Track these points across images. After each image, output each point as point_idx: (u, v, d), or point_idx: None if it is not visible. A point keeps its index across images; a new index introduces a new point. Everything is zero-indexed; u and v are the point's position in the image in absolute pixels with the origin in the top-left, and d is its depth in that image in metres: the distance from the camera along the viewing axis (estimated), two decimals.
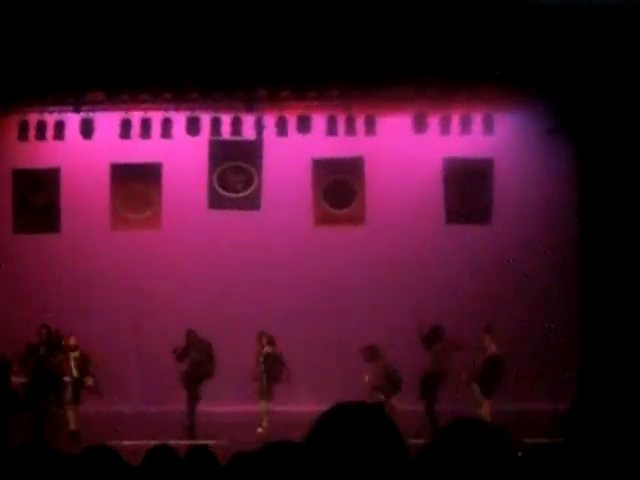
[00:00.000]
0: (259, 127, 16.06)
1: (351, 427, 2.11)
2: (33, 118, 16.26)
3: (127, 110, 16.11)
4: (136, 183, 16.61)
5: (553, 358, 16.04)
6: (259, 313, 16.06)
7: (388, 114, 16.38)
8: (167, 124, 16.00)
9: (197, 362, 15.15)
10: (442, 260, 16.98)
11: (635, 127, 14.47)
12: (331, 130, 16.01)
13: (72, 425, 14.76)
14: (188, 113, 16.00)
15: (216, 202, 16.50)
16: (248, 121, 16.04)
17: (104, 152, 16.58)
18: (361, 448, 2.07)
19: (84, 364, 14.93)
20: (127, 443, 12.80)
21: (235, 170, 16.51)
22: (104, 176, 16.61)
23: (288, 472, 2.92)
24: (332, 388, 14.91)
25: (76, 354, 14.93)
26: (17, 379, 16.07)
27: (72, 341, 14.94)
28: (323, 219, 16.70)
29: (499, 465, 2.27)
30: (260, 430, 14.85)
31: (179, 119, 16.02)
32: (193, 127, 15.93)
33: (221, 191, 16.47)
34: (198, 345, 15.24)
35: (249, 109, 15.89)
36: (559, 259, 16.43)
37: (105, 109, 16.16)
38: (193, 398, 15.13)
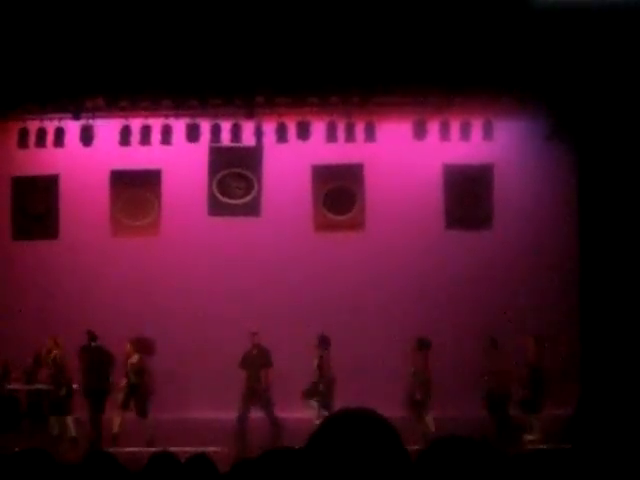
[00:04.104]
0: (259, 134, 16.06)
1: (352, 434, 2.11)
2: (33, 125, 16.28)
3: (127, 117, 16.13)
4: (136, 190, 16.62)
5: (555, 363, 16.01)
6: (259, 319, 16.02)
7: (388, 120, 16.40)
8: (167, 131, 16.02)
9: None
10: (443, 266, 16.99)
11: (634, 133, 14.49)
12: (331, 137, 16.01)
13: (115, 429, 14.64)
14: (188, 120, 16.01)
15: (216, 209, 16.50)
16: (248, 128, 16.06)
17: (104, 159, 16.60)
18: (362, 455, 2.07)
19: (141, 370, 14.90)
20: (128, 450, 12.82)
21: (235, 177, 16.51)
22: (104, 183, 16.63)
23: (288, 479, 2.91)
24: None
25: (134, 360, 14.88)
26: (18, 386, 16.10)
27: (128, 347, 14.91)
28: (323, 225, 16.70)
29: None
30: None
31: (179, 126, 16.04)
32: (193, 134, 15.94)
33: (221, 198, 16.48)
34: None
35: (249, 116, 15.90)
36: (559, 264, 16.44)
37: (105, 116, 16.18)
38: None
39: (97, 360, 14.92)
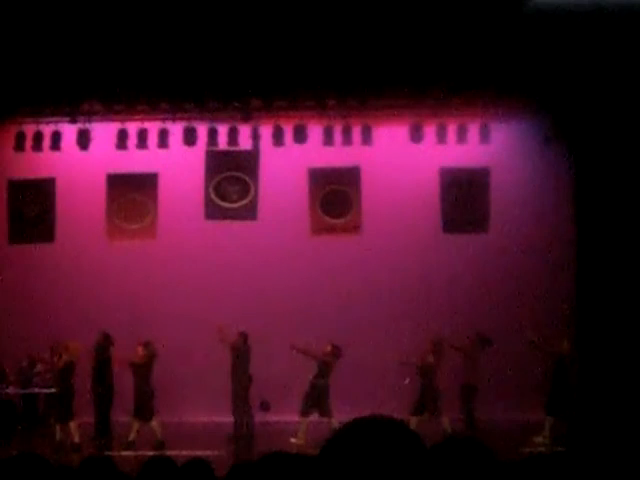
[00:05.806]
0: (255, 137, 16.06)
1: (371, 441, 2.05)
2: (30, 129, 16.26)
3: (123, 120, 16.13)
4: (132, 193, 16.61)
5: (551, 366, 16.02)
6: (256, 322, 16.01)
7: (384, 124, 16.42)
8: (164, 134, 16.01)
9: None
10: (439, 269, 17.01)
11: (631, 135, 14.49)
12: (327, 140, 16.01)
13: (132, 435, 14.63)
14: (185, 123, 16.02)
15: (213, 212, 16.50)
16: (244, 131, 16.05)
17: (100, 162, 16.60)
18: (382, 464, 2.02)
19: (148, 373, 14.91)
20: (126, 454, 12.81)
21: (232, 180, 16.51)
22: (100, 186, 16.62)
23: None
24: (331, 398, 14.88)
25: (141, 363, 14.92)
26: (14, 390, 16.07)
27: (140, 351, 14.88)
28: (320, 229, 16.69)
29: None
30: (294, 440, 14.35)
31: (176, 129, 16.03)
32: (190, 137, 15.93)
33: (218, 201, 16.47)
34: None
35: (245, 119, 15.90)
36: (556, 267, 16.43)
37: (101, 119, 16.17)
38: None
39: (107, 364, 15.07)
